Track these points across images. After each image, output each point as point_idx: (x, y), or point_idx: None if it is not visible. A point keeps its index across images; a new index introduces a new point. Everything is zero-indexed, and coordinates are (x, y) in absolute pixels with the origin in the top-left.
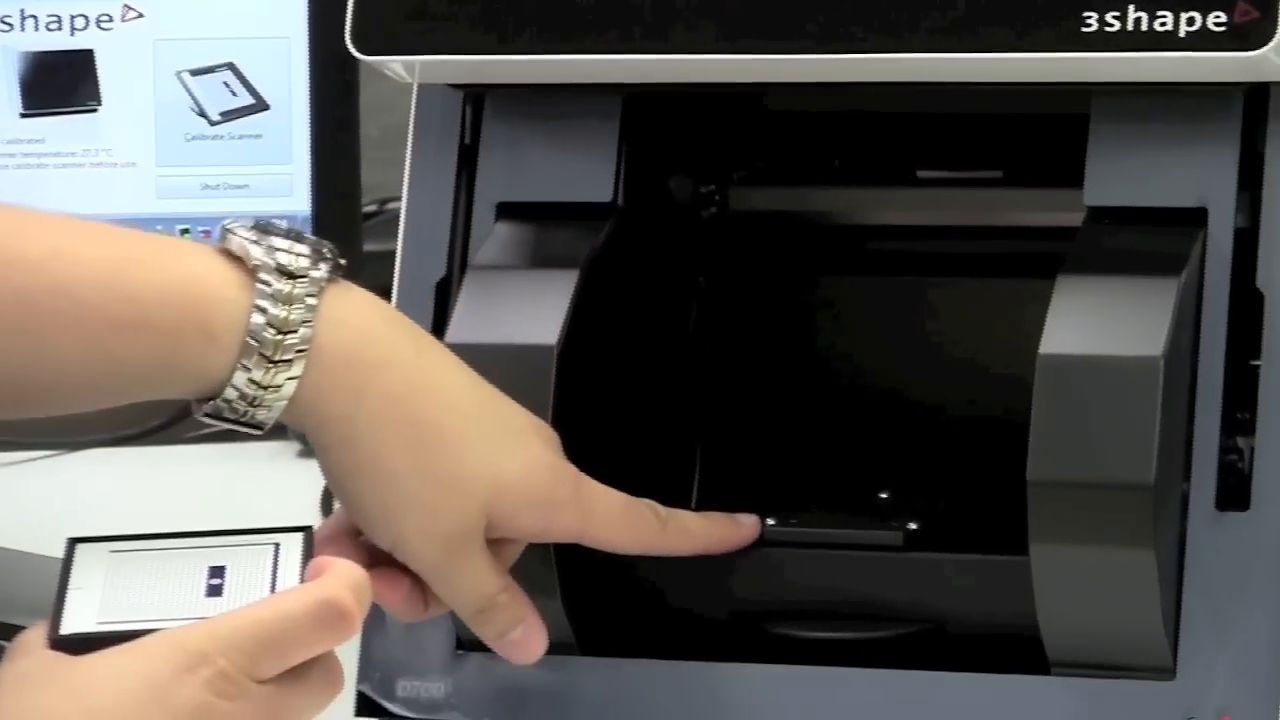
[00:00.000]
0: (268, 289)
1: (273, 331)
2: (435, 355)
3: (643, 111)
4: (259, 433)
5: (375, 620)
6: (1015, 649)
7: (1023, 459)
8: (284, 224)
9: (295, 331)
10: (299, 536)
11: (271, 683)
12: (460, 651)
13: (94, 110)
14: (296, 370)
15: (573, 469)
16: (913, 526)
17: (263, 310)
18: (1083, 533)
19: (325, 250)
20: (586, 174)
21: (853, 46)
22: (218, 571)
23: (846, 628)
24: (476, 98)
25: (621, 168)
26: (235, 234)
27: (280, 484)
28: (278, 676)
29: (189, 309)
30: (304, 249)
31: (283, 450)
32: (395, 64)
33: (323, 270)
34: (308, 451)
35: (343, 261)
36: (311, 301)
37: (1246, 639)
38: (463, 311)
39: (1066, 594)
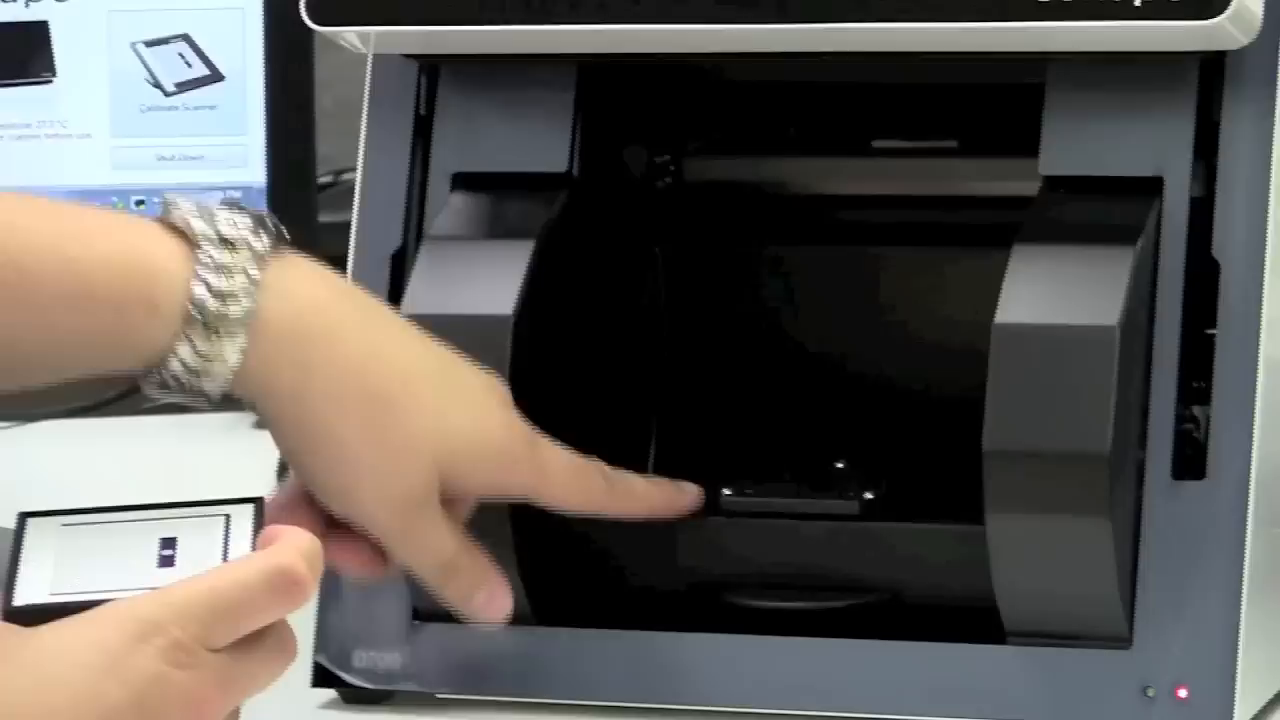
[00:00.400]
0: (210, 261)
1: (215, 302)
2: (382, 323)
3: (598, 82)
4: (207, 405)
5: (331, 591)
6: (971, 618)
7: (979, 428)
8: (229, 199)
9: (238, 302)
10: (249, 508)
11: (225, 651)
12: (417, 622)
13: (49, 82)
14: (240, 341)
15: (527, 427)
16: (869, 496)
17: (204, 281)
18: (1039, 502)
19: (268, 221)
20: (542, 145)
21: (808, 16)
22: (169, 543)
23: (803, 597)
24: (431, 68)
25: (576, 138)
26: (177, 206)
27: (235, 455)
28: (231, 645)
29: (132, 281)
30: (246, 220)
31: (238, 422)
32: (350, 34)
33: (264, 241)
34: (263, 423)
35: (286, 234)
36: (253, 272)
37: (1202, 608)
38: (418, 282)
39: (1023, 563)
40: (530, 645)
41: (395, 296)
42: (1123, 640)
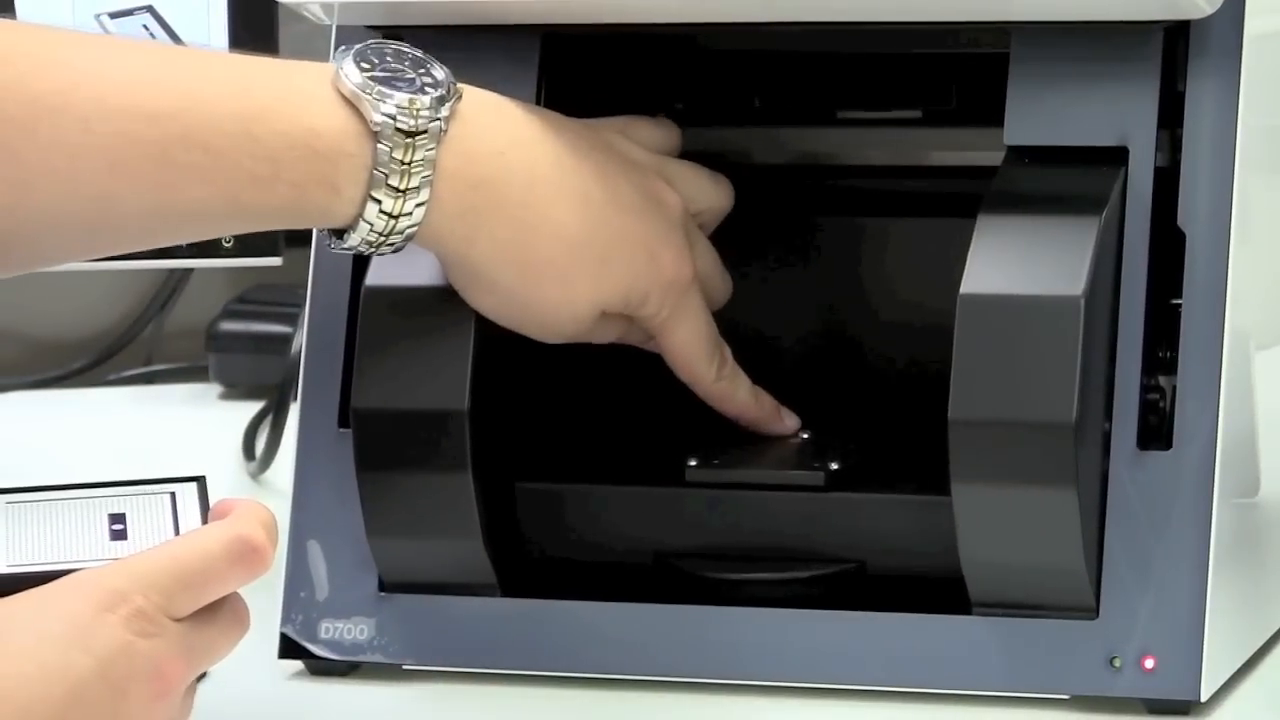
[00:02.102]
0: (388, 149)
1: (393, 183)
2: (553, 180)
3: (562, 51)
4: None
5: (298, 562)
6: (937, 589)
7: (945, 398)
8: (395, 52)
9: (415, 179)
10: (193, 485)
11: (186, 621)
12: (383, 594)
13: None
14: (417, 216)
15: (678, 291)
16: (835, 467)
17: (383, 169)
18: (1004, 472)
19: (441, 91)
20: None
21: None
22: (118, 518)
23: (768, 568)
24: (395, 39)
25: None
26: (357, 95)
27: (202, 426)
28: (190, 616)
29: (314, 164)
30: (423, 102)
31: (204, 393)
32: (314, 5)
33: (442, 116)
34: (229, 394)
35: (457, 85)
36: (430, 152)
37: (1169, 579)
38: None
39: (988, 533)
40: (496, 617)
41: (359, 271)
42: (1089, 611)
